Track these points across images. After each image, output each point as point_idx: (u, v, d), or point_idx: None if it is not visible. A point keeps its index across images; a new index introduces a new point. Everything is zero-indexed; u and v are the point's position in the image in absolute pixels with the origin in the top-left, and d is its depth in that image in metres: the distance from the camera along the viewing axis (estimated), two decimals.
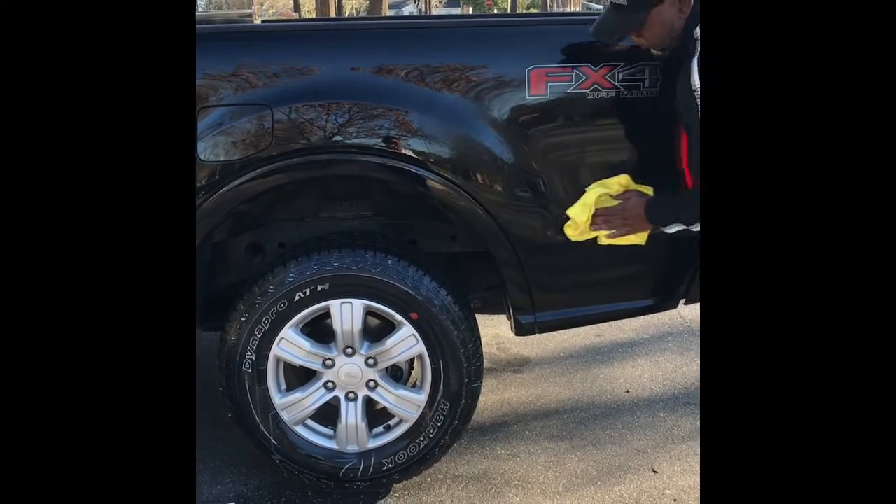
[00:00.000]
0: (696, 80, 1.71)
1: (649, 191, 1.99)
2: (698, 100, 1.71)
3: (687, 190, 1.92)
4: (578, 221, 1.98)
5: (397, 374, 2.28)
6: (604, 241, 2.02)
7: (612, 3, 1.88)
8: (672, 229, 1.94)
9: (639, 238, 2.01)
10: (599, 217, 1.99)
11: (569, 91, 1.96)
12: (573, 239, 2.02)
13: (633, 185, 1.99)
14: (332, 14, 17.44)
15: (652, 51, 1.92)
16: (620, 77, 1.95)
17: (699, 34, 1.70)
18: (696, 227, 1.87)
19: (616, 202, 1.98)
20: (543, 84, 1.95)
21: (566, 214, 2.00)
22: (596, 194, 1.98)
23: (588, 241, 2.03)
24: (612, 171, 2.03)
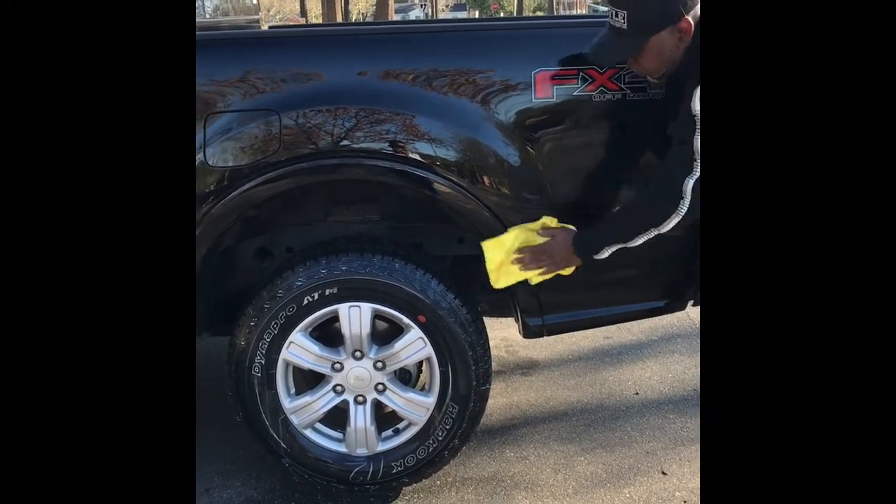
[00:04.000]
0: (696, 107, 1.71)
1: (572, 227, 1.99)
2: (697, 124, 1.71)
3: (616, 209, 1.98)
4: (492, 258, 1.99)
5: (406, 378, 2.29)
6: (536, 279, 2.02)
7: (610, 25, 1.85)
8: (605, 254, 1.94)
9: (566, 271, 2.01)
10: (526, 257, 1.99)
11: (575, 94, 1.96)
12: (495, 283, 2.02)
13: (557, 225, 1.99)
14: (339, 19, 17.49)
15: (648, 78, 1.91)
16: (626, 79, 1.95)
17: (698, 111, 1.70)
18: (636, 242, 1.88)
19: (542, 240, 1.98)
20: (549, 87, 1.95)
21: (481, 245, 2.01)
22: (514, 235, 1.98)
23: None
24: (620, 174, 2.04)
